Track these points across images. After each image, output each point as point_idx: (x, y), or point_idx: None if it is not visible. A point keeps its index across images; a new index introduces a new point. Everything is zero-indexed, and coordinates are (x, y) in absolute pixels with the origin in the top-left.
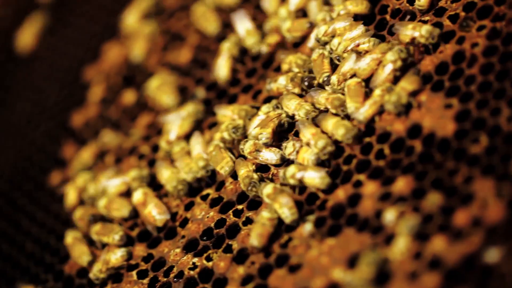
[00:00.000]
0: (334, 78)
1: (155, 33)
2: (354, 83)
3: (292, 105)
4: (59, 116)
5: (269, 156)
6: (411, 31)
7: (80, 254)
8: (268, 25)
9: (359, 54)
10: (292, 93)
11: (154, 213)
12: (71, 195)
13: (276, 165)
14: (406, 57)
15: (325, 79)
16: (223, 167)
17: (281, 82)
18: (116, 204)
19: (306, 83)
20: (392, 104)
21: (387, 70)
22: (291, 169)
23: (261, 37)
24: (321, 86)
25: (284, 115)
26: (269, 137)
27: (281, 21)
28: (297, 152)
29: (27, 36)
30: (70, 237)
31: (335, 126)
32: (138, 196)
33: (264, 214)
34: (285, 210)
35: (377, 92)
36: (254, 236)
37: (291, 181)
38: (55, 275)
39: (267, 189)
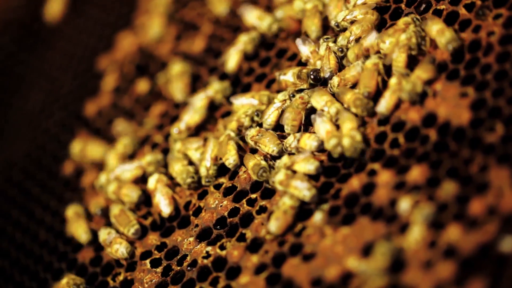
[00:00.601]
0: (335, 80)
1: (171, 11)
2: (370, 65)
3: (323, 101)
4: (72, 106)
5: (268, 143)
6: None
7: (79, 231)
8: (279, 13)
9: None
10: (323, 89)
11: (162, 203)
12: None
13: (272, 157)
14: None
15: (328, 75)
16: (228, 159)
17: (289, 78)
18: (126, 189)
19: (312, 77)
20: (407, 93)
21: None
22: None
23: (274, 18)
24: (325, 81)
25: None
26: (272, 124)
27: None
28: (298, 140)
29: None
30: (71, 211)
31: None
32: (151, 182)
33: (286, 201)
34: (304, 192)
35: (393, 80)
36: (273, 223)
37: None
38: (69, 264)
39: (280, 175)
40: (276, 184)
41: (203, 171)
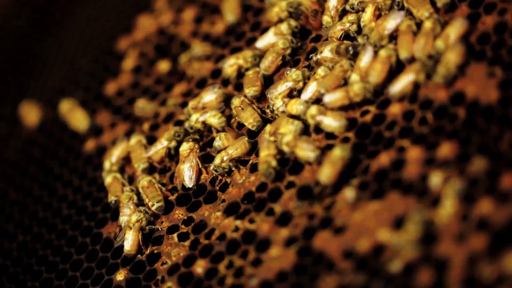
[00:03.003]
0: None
1: None
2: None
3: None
4: (93, 86)
5: (249, 118)
6: None
7: (115, 191)
8: None
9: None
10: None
11: (186, 174)
12: None
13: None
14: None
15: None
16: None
17: (326, 54)
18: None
19: (351, 52)
20: (442, 77)
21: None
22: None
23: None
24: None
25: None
26: (257, 93)
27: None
28: (286, 105)
29: None
30: (110, 178)
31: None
32: (184, 147)
33: (338, 152)
34: (308, 153)
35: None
36: (324, 173)
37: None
38: (93, 238)
39: (287, 138)
40: (283, 146)
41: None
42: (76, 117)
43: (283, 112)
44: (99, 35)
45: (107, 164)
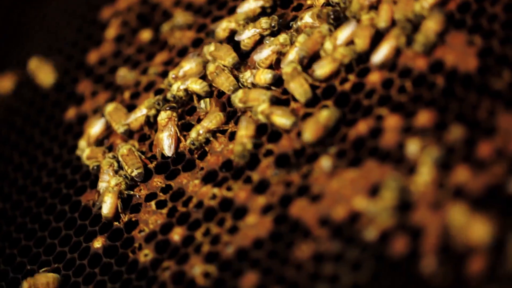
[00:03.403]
0: None
1: None
2: (366, 19)
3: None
4: (76, 56)
5: (225, 82)
6: None
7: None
8: None
9: None
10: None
11: (165, 143)
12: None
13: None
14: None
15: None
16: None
17: (307, 20)
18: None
19: (332, 16)
20: (421, 45)
21: None
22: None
23: None
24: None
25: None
26: (237, 59)
27: None
28: (254, 76)
29: None
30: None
31: None
32: (163, 117)
33: (325, 113)
34: (284, 120)
35: (394, 32)
36: (308, 130)
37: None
38: (72, 206)
39: (262, 107)
40: (258, 115)
41: None
42: (43, 72)
43: (251, 83)
44: (83, 4)
45: (82, 144)
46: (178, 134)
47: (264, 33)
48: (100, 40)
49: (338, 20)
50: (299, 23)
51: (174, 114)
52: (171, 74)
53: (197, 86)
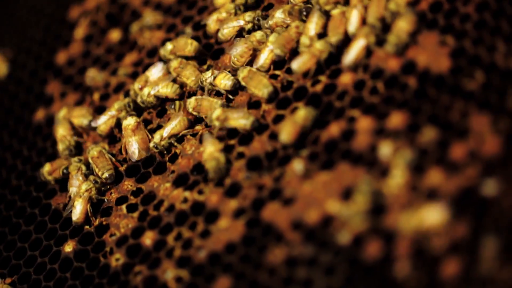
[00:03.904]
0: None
1: None
2: (337, 13)
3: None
4: (44, 56)
5: (190, 76)
6: None
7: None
8: None
9: None
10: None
11: (134, 146)
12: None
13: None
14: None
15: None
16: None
17: (278, 16)
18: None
19: (305, 13)
20: (393, 45)
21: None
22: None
23: None
24: None
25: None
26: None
27: None
28: (215, 77)
29: None
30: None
31: None
32: (130, 122)
33: (302, 113)
34: (242, 121)
35: (363, 31)
36: (284, 131)
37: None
38: (42, 209)
39: (216, 113)
40: (214, 121)
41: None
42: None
43: (210, 84)
44: (51, 3)
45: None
46: (149, 137)
47: (246, 27)
48: (68, 40)
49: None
50: (270, 22)
51: (140, 119)
52: (137, 85)
53: (168, 89)
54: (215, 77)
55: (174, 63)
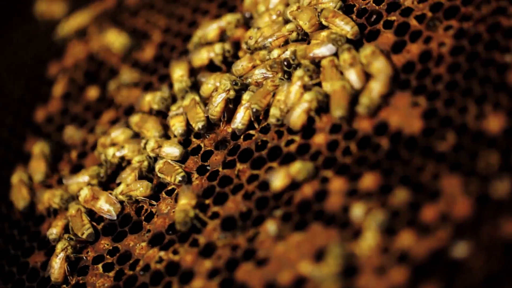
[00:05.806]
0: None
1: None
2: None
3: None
4: (23, 112)
5: (152, 129)
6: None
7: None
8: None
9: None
10: None
11: (105, 206)
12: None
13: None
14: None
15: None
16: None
17: (258, 73)
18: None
19: (286, 64)
20: (365, 107)
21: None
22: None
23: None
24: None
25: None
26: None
27: None
28: (161, 146)
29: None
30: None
31: None
32: (84, 193)
33: (297, 166)
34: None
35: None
36: (278, 179)
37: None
38: (19, 268)
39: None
40: (158, 173)
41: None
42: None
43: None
44: (30, 59)
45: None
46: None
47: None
48: (47, 97)
49: (290, 66)
50: (249, 79)
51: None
52: (101, 143)
53: (137, 158)
54: (161, 147)
55: (135, 118)
